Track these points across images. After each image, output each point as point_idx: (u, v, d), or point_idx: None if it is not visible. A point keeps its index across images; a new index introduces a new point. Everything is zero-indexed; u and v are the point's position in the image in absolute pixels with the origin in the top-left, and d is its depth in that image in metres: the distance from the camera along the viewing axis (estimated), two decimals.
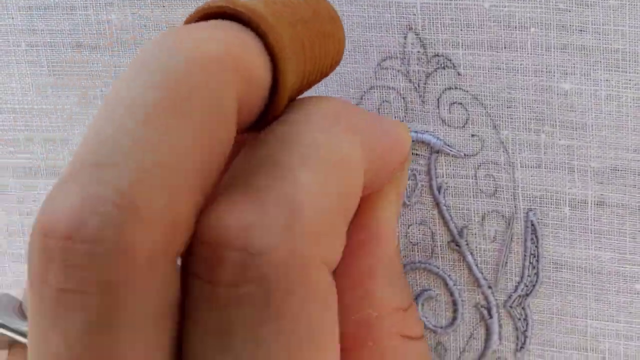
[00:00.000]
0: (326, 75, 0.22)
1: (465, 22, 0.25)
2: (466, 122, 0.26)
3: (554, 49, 0.24)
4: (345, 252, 0.20)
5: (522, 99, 0.25)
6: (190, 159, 0.17)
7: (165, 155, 0.16)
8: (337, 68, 0.26)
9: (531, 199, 0.26)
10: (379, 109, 0.26)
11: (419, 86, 0.26)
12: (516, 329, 0.27)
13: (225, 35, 0.18)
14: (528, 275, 0.26)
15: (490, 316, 0.27)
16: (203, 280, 0.17)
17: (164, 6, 0.27)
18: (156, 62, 0.17)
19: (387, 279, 0.22)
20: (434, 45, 0.25)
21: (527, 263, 0.26)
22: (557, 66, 0.24)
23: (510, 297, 0.27)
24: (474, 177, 0.26)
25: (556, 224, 0.26)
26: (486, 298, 0.27)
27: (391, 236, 0.23)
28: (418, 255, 0.27)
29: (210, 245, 0.17)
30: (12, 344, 0.26)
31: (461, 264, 0.27)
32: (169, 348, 0.17)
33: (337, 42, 0.22)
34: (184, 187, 0.17)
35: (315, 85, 0.26)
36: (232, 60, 0.18)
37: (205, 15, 0.19)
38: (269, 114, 0.20)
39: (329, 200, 0.18)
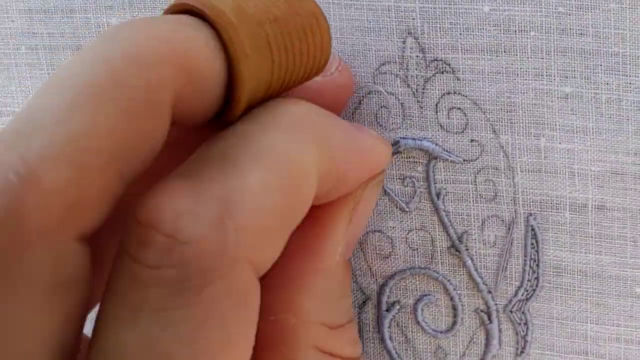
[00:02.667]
0: (311, 75, 0.22)
1: (464, 27, 0.25)
2: (465, 127, 0.26)
3: (554, 52, 0.24)
4: (284, 254, 0.20)
5: (522, 103, 0.25)
6: (105, 141, 0.17)
7: (78, 133, 0.17)
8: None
9: (531, 203, 0.26)
10: (376, 114, 0.26)
11: (417, 91, 0.26)
12: (516, 333, 0.27)
13: (173, 31, 0.19)
14: (528, 280, 0.26)
15: (490, 321, 0.27)
16: (130, 256, 0.17)
17: (163, 9, 0.27)
18: (99, 49, 0.18)
19: (319, 293, 0.22)
20: (433, 49, 0.25)
21: (527, 267, 0.26)
22: (557, 70, 0.24)
23: (510, 301, 0.27)
24: (473, 183, 0.26)
25: (556, 228, 0.26)
26: (486, 303, 0.27)
27: (332, 252, 0.23)
28: (418, 260, 0.27)
29: (141, 225, 0.17)
30: None
31: (461, 269, 0.27)
32: (65, 317, 0.17)
33: (320, 42, 0.21)
34: (95, 167, 0.17)
35: None
36: (172, 55, 0.18)
37: (175, 12, 0.20)
38: (231, 111, 0.20)
39: (271, 204, 0.18)
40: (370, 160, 0.23)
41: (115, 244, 0.18)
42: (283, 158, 0.19)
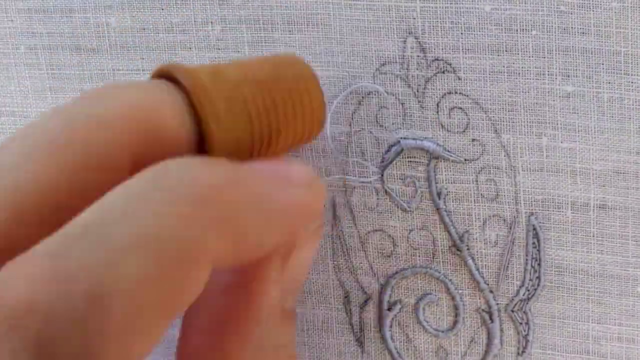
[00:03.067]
0: (304, 137, 0.22)
1: (465, 26, 0.24)
2: (466, 126, 0.25)
3: (556, 51, 0.24)
4: (217, 300, 0.19)
5: (523, 103, 0.25)
6: (43, 191, 0.18)
7: (20, 183, 0.18)
8: (335, 72, 0.26)
9: (533, 202, 0.26)
10: (377, 115, 0.26)
11: (418, 91, 0.25)
12: (518, 333, 0.27)
13: (142, 95, 0.19)
14: (530, 279, 0.26)
15: (492, 320, 0.27)
16: None
17: (162, 9, 0.27)
18: (67, 108, 0.19)
19: (253, 341, 0.21)
20: (434, 49, 0.25)
21: (528, 267, 0.26)
22: (559, 69, 0.24)
23: (511, 301, 0.27)
24: (474, 182, 0.26)
25: (558, 227, 0.26)
26: (487, 302, 0.27)
27: (264, 298, 0.22)
28: (419, 260, 0.27)
29: None
30: None
31: (462, 268, 0.27)
32: None
33: (310, 104, 0.22)
34: (31, 219, 0.17)
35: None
36: (133, 116, 0.19)
37: (158, 76, 0.21)
38: None
39: (150, 298, 0.17)
40: (293, 216, 0.21)
41: None
42: (170, 245, 0.17)
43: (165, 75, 0.20)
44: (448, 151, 0.26)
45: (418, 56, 0.25)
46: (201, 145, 0.20)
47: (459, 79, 0.25)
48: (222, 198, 0.18)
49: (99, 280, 0.16)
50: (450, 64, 0.25)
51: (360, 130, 0.26)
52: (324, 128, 0.23)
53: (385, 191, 0.27)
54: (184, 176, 0.18)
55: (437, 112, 0.26)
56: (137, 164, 0.19)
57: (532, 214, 0.26)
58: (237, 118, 0.20)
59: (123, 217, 0.17)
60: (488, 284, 0.27)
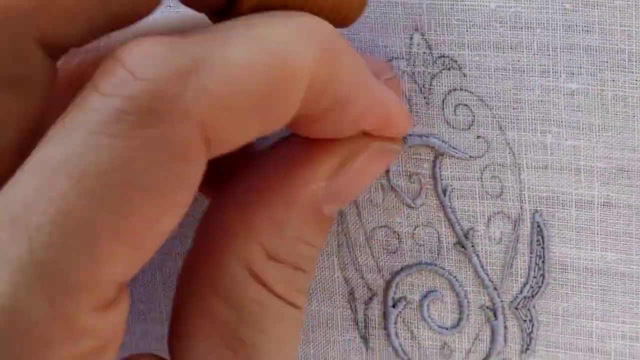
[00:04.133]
0: (349, 11, 0.21)
1: (471, 23, 0.25)
2: (472, 123, 0.26)
3: (561, 49, 0.24)
4: (258, 170, 0.20)
5: (528, 100, 0.25)
6: None
7: None
8: None
9: (537, 200, 0.26)
10: None
11: (423, 87, 0.26)
12: (522, 330, 0.27)
13: None
14: (534, 277, 0.26)
15: (496, 317, 0.27)
16: (92, 84, 0.18)
17: (161, 11, 0.27)
18: None
19: (276, 219, 0.22)
20: (440, 46, 0.25)
21: (532, 264, 0.26)
22: (564, 66, 0.24)
23: (515, 298, 0.27)
24: (479, 179, 0.26)
25: (562, 225, 0.26)
26: (492, 299, 0.27)
27: (304, 187, 0.22)
28: (424, 256, 0.27)
29: (113, 58, 0.18)
30: None
31: (467, 265, 0.27)
32: (13, 116, 0.18)
33: None
34: None
35: None
36: None
37: None
38: (239, 5, 0.20)
39: (246, 83, 0.18)
40: (382, 109, 0.22)
41: None
42: (276, 47, 0.19)
43: None
44: (453, 148, 0.26)
45: (424, 53, 0.25)
46: None
47: (465, 75, 0.25)
48: (327, 32, 0.20)
49: (208, 50, 0.18)
50: (456, 61, 0.25)
51: None
52: (362, 10, 0.22)
53: (392, 187, 0.27)
54: (315, 20, 0.20)
55: (443, 108, 0.26)
56: None
57: (536, 211, 0.26)
58: None
59: (247, 25, 0.19)
60: (492, 281, 0.27)
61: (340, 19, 0.21)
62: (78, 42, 0.19)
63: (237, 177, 0.22)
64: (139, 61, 0.17)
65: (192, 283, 0.22)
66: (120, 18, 0.19)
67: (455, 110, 0.26)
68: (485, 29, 0.25)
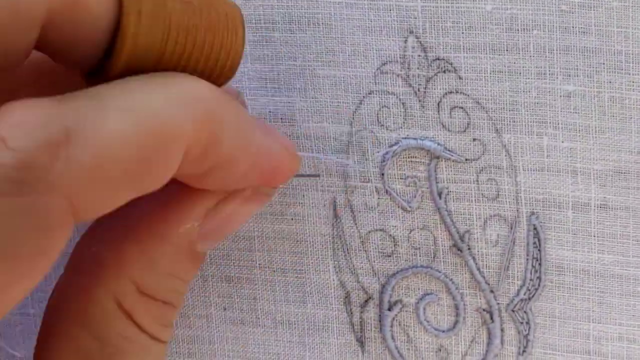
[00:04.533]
0: (213, 74, 0.21)
1: (466, 25, 0.24)
2: (467, 126, 0.25)
3: (557, 51, 0.24)
4: (135, 206, 0.19)
5: (524, 102, 0.25)
6: None
7: None
8: (336, 72, 0.26)
9: (534, 202, 0.26)
10: (377, 114, 0.26)
11: (419, 90, 0.25)
12: (518, 332, 0.27)
13: None
14: (530, 279, 0.26)
15: (492, 320, 0.27)
16: None
17: None
18: None
19: (148, 256, 0.22)
20: (435, 48, 0.25)
21: (529, 266, 0.26)
22: (560, 68, 0.24)
23: (512, 300, 0.27)
24: (475, 182, 0.26)
25: (559, 227, 0.26)
26: (488, 302, 0.27)
27: (176, 226, 0.22)
28: (420, 259, 0.27)
29: None
30: None
31: (463, 268, 0.27)
32: None
33: (229, 45, 0.21)
34: None
35: (314, 91, 0.26)
36: None
37: None
38: (111, 65, 0.19)
39: (118, 155, 0.18)
40: (269, 164, 0.23)
41: None
42: (154, 119, 0.19)
43: None
44: (449, 151, 0.26)
45: (419, 55, 0.25)
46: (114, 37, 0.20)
47: (460, 78, 0.25)
48: (206, 96, 0.20)
49: (81, 120, 0.18)
50: (452, 64, 0.25)
51: (361, 130, 0.26)
52: (233, 76, 0.22)
53: (386, 191, 0.27)
54: (192, 83, 0.20)
55: (438, 111, 0.26)
56: (51, 25, 0.18)
57: (532, 213, 0.26)
58: (156, 25, 0.19)
59: (124, 91, 0.19)
60: (489, 284, 0.27)
61: (213, 80, 0.22)
62: None
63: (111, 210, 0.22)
64: (11, 129, 0.17)
65: (60, 313, 0.22)
66: None
67: (450, 113, 0.25)
68: (481, 31, 0.24)
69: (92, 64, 0.20)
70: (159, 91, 0.19)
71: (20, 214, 0.17)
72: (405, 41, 0.25)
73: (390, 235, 0.27)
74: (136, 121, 0.18)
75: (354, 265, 0.28)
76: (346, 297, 0.28)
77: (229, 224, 0.24)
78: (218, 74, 0.21)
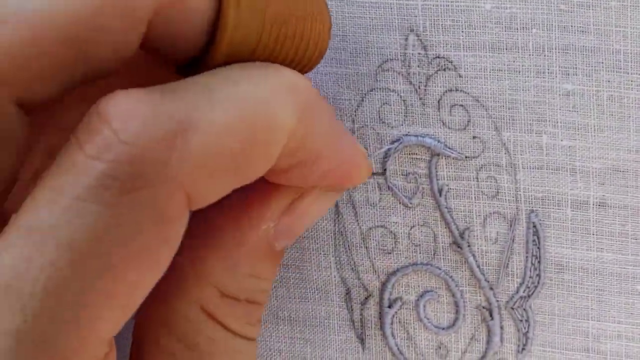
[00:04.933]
0: (308, 60, 0.22)
1: (466, 24, 0.25)
2: (467, 124, 0.26)
3: (556, 50, 0.24)
4: (212, 208, 0.19)
5: (523, 100, 0.25)
6: (70, 20, 0.17)
7: (47, 5, 0.17)
8: (337, 69, 0.26)
9: (533, 200, 0.26)
10: (379, 111, 0.26)
11: (419, 88, 0.26)
12: (518, 330, 0.27)
13: None
14: (530, 277, 0.26)
15: (492, 317, 0.27)
16: (76, 140, 0.18)
17: None
18: None
19: (227, 259, 0.22)
20: (435, 46, 0.25)
21: (529, 264, 0.26)
22: (559, 67, 0.24)
23: (512, 298, 0.27)
24: (475, 179, 0.26)
25: (558, 225, 0.26)
26: (488, 299, 0.27)
27: (255, 227, 0.22)
28: (420, 256, 0.27)
29: (96, 114, 0.18)
30: None
31: (463, 265, 0.27)
32: None
33: (319, 29, 0.21)
34: (52, 38, 0.17)
35: (317, 89, 0.26)
36: None
37: None
38: (209, 57, 0.20)
39: (229, 145, 0.18)
40: (349, 166, 0.23)
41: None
42: (259, 107, 0.19)
43: None
44: (449, 148, 0.26)
45: (419, 54, 0.25)
46: (212, 29, 0.20)
47: (460, 76, 0.25)
48: (304, 91, 0.20)
49: (192, 110, 0.18)
50: (452, 62, 0.25)
51: (363, 127, 0.26)
52: (319, 61, 0.22)
53: (388, 187, 0.27)
54: (292, 76, 0.20)
55: (439, 109, 0.26)
56: (156, 20, 0.18)
57: (532, 211, 0.26)
58: (253, 15, 0.20)
59: (229, 79, 0.19)
60: (488, 281, 0.27)
61: (300, 69, 0.22)
62: (54, 98, 0.19)
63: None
64: (124, 122, 0.17)
65: (148, 326, 0.22)
66: (96, 72, 0.19)
67: (451, 111, 0.26)
68: (480, 29, 0.25)
69: (187, 56, 0.20)
70: (263, 81, 0.19)
71: (142, 210, 0.17)
72: (406, 39, 0.25)
73: (391, 231, 0.27)
74: (245, 111, 0.18)
75: (354, 262, 0.28)
76: (347, 293, 0.28)
77: (304, 221, 0.24)
78: (305, 63, 0.22)
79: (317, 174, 0.22)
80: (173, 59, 0.20)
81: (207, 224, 0.22)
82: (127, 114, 0.17)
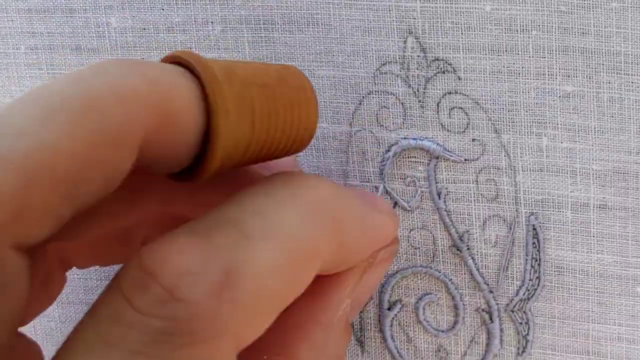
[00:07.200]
0: (292, 149, 0.22)
1: (466, 26, 0.24)
2: (467, 126, 0.25)
3: (556, 51, 0.24)
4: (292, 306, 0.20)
5: (523, 103, 0.25)
6: (63, 161, 0.17)
7: (39, 146, 0.17)
8: (335, 72, 0.26)
9: (533, 202, 0.26)
10: (377, 114, 0.26)
11: (418, 91, 0.26)
12: (518, 332, 0.27)
13: (158, 74, 0.19)
14: (530, 279, 0.26)
15: (492, 320, 0.27)
16: (123, 296, 0.18)
17: (162, 9, 0.27)
18: (83, 75, 0.18)
19: (315, 344, 0.22)
20: (434, 49, 0.25)
21: (528, 267, 0.26)
22: (559, 69, 0.24)
23: (511, 301, 0.27)
24: (475, 182, 0.26)
25: (558, 227, 0.26)
26: (487, 302, 0.27)
27: (336, 307, 0.23)
28: (419, 259, 0.27)
29: (142, 270, 0.18)
30: None
31: (462, 268, 0.27)
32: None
33: (306, 116, 0.22)
34: (46, 182, 0.17)
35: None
36: (150, 94, 0.18)
37: (171, 61, 0.20)
38: (204, 166, 0.20)
39: (272, 286, 0.19)
40: (378, 237, 0.23)
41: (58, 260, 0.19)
42: (295, 243, 0.19)
43: (178, 62, 0.20)
44: (448, 151, 0.26)
45: (418, 56, 0.25)
46: (203, 137, 0.20)
47: (459, 79, 0.25)
48: (332, 204, 0.21)
49: (235, 259, 0.18)
50: (451, 64, 0.25)
51: (360, 130, 0.26)
52: (310, 141, 0.23)
53: (386, 190, 0.27)
54: (309, 187, 0.21)
55: (438, 112, 0.26)
56: (147, 143, 0.18)
57: (532, 214, 0.26)
58: (243, 117, 0.20)
59: (259, 213, 0.19)
60: (488, 284, 0.27)
61: (292, 152, 0.22)
62: (50, 236, 0.18)
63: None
64: (175, 279, 0.18)
65: None
66: (89, 203, 0.18)
67: (450, 114, 0.25)
68: (480, 31, 0.24)
69: (181, 165, 0.20)
70: (290, 206, 0.20)
71: None
72: (405, 42, 0.25)
73: None
74: (281, 250, 0.19)
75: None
76: None
77: (372, 290, 0.25)
78: (297, 147, 0.22)
79: (360, 256, 0.23)
80: (164, 170, 0.20)
81: (290, 319, 0.22)
82: (176, 271, 0.18)
